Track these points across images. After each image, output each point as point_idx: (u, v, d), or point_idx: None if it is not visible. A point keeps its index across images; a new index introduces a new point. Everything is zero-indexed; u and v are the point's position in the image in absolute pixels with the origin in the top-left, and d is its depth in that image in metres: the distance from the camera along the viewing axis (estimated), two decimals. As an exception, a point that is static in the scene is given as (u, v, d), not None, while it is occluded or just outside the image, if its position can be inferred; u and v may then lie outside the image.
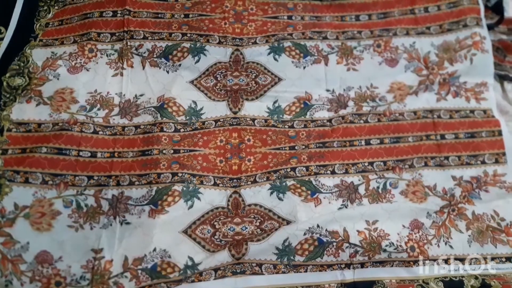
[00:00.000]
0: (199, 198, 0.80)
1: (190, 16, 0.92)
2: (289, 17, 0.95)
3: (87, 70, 0.85)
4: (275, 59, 0.91)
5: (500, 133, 0.91)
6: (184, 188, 0.79)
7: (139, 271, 0.73)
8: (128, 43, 0.88)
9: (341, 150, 0.86)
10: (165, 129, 0.83)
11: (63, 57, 0.85)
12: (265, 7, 0.95)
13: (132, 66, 0.87)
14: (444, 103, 0.93)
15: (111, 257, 0.73)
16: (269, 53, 0.91)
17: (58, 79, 0.84)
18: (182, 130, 0.84)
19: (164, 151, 0.81)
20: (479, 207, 0.85)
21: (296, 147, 0.86)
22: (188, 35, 0.90)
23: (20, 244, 0.71)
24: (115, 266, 0.73)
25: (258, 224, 0.79)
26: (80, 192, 0.76)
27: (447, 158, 0.89)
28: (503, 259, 0.81)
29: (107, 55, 0.87)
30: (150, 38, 0.89)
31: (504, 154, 0.90)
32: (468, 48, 0.95)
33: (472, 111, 0.93)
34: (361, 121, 0.89)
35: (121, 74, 0.86)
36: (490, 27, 0.98)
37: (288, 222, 0.80)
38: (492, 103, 0.93)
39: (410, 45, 0.95)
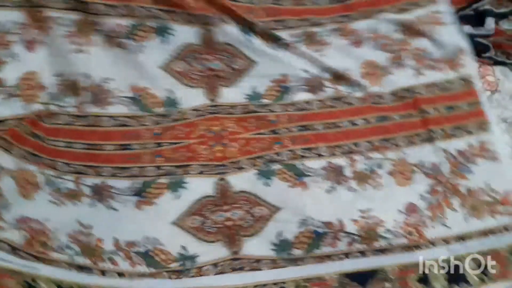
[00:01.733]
0: (186, 188, 0.77)
1: None
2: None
3: (45, 45, 0.79)
4: (249, 41, 0.87)
5: (479, 103, 0.89)
6: (170, 180, 0.77)
7: (133, 253, 0.70)
8: (88, 19, 0.82)
9: (325, 132, 0.84)
10: (144, 123, 0.81)
11: (13, 31, 0.78)
12: None
13: (95, 46, 0.82)
14: (421, 79, 0.91)
15: (101, 236, 0.70)
16: (242, 34, 0.87)
17: (17, 60, 0.77)
18: (161, 122, 0.82)
19: (146, 146, 0.79)
20: (471, 181, 0.83)
21: (278, 131, 0.84)
22: (154, 11, 0.85)
23: (5, 200, 0.67)
24: (106, 244, 0.70)
25: (247, 209, 0.77)
26: (59, 176, 0.72)
27: (432, 131, 0.86)
28: (503, 231, 0.79)
29: (64, 25, 0.81)
30: (112, 14, 0.83)
31: (487, 122, 0.88)
32: (431, 25, 0.94)
33: (450, 82, 0.91)
34: (342, 104, 0.87)
35: (85, 52, 0.81)
36: (505, 15, 0.97)
37: (277, 208, 0.77)
38: (471, 68, 0.92)
39: (372, 27, 0.94)
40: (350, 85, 0.89)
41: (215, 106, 0.84)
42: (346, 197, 0.80)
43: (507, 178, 0.84)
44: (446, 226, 0.79)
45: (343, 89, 0.89)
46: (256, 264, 0.74)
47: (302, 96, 0.88)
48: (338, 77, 0.89)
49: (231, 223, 0.76)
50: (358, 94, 0.89)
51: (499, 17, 0.99)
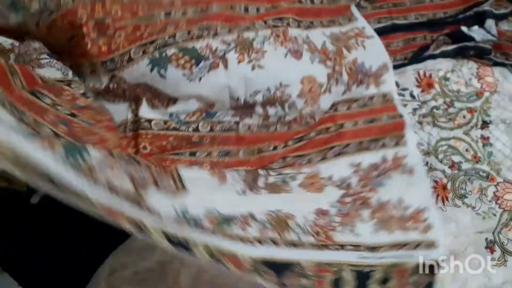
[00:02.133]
0: (84, 159, 0.53)
1: None
2: (167, 14, 0.75)
3: None
4: (162, 76, 0.73)
5: (399, 117, 0.89)
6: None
7: None
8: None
9: (245, 158, 0.80)
10: (73, 86, 0.69)
11: None
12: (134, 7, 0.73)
13: None
14: (346, 94, 0.88)
15: None
16: (152, 69, 0.73)
17: None
18: (91, 98, 0.71)
19: (58, 107, 0.63)
20: (383, 195, 0.81)
21: (197, 153, 0.78)
22: None
23: None
24: None
25: (156, 171, 0.64)
26: None
27: (347, 145, 0.85)
28: (413, 247, 0.77)
29: None
30: None
31: (404, 136, 0.87)
32: (355, 38, 0.93)
33: (371, 98, 0.90)
34: (270, 129, 0.83)
35: None
36: (504, 16, 0.99)
37: (184, 189, 0.66)
38: (391, 85, 0.91)
39: (305, 37, 0.86)
40: (283, 107, 0.81)
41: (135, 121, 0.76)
42: (256, 200, 0.75)
43: (420, 193, 0.83)
44: (355, 234, 0.77)
45: (275, 112, 0.81)
46: (159, 216, 0.57)
47: (229, 118, 0.81)
48: (270, 100, 0.80)
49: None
50: (289, 118, 0.83)
51: (499, 18, 1.00)
